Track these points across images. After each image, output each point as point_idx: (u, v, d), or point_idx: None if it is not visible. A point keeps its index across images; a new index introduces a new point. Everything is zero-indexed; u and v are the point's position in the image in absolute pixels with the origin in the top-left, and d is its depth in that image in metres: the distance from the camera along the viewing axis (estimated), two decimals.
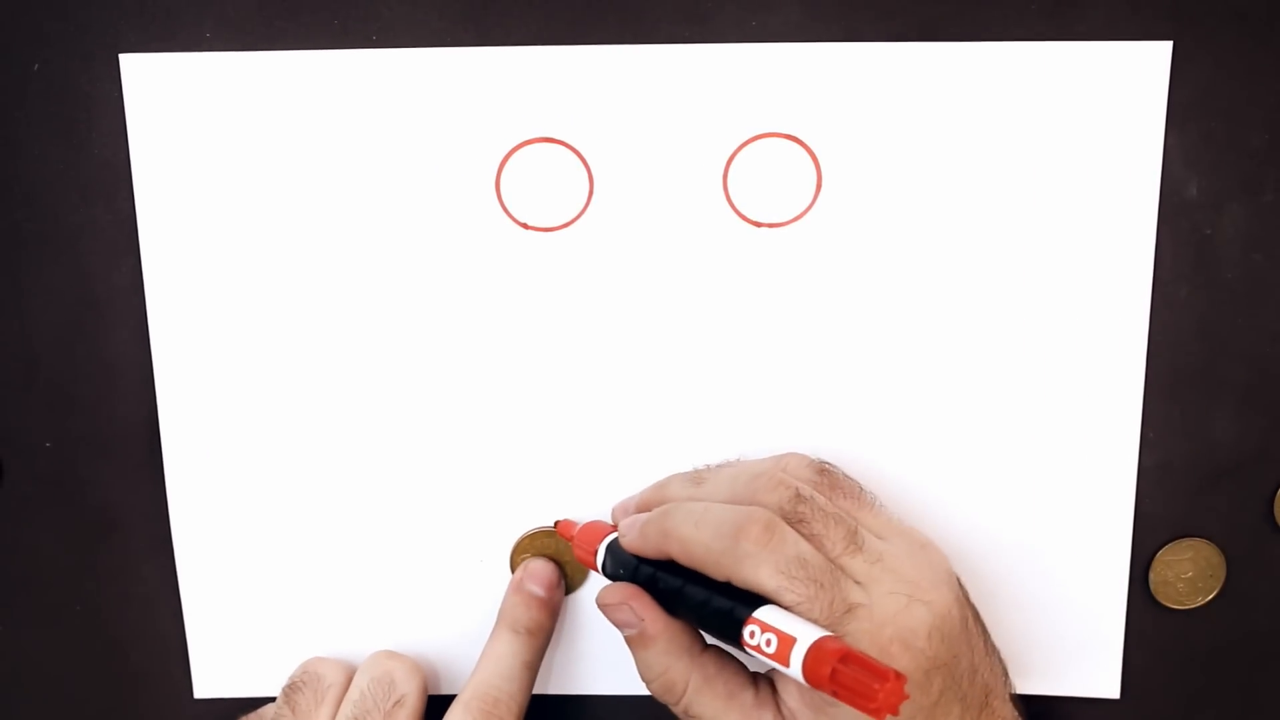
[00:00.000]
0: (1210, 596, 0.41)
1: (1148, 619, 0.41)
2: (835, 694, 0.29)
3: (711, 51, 0.36)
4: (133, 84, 0.37)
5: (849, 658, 0.29)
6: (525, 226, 0.38)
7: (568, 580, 0.41)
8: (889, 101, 0.37)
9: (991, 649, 0.36)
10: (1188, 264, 0.38)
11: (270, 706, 0.40)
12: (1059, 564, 0.40)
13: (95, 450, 0.40)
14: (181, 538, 0.41)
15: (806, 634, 0.30)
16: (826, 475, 0.37)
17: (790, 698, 0.34)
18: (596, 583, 0.40)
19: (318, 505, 0.40)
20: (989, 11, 0.36)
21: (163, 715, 0.42)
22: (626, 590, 0.36)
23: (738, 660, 0.36)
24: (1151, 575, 0.41)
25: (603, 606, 0.37)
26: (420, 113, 0.37)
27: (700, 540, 0.34)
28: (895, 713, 0.29)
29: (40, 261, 0.38)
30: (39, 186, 0.38)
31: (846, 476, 0.37)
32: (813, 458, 0.37)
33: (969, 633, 0.35)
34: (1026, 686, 0.41)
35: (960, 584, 0.36)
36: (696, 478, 0.37)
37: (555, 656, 0.42)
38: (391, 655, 0.40)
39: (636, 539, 0.36)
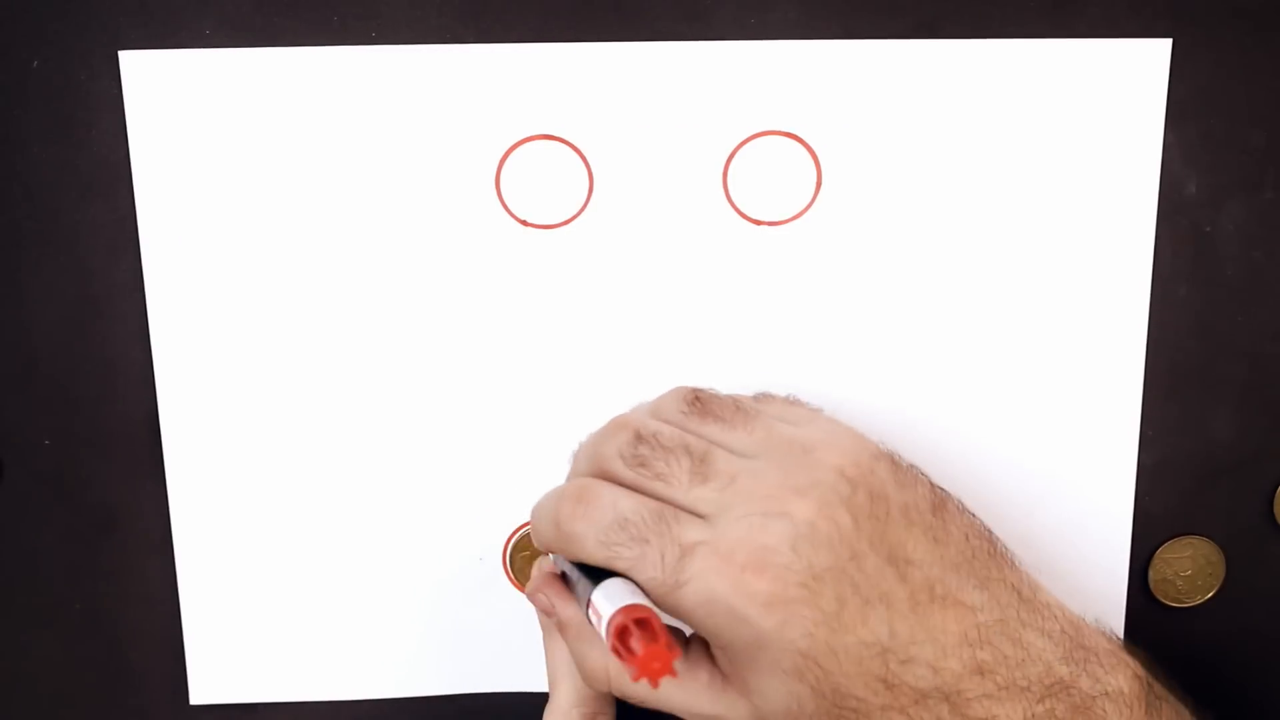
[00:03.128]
0: (1210, 594, 0.41)
1: (1147, 617, 0.41)
2: (626, 665, 0.28)
3: (712, 49, 0.36)
4: (132, 81, 0.37)
5: (636, 625, 0.28)
6: (525, 224, 0.38)
7: None
8: (889, 99, 0.37)
9: (963, 526, 0.32)
10: (1187, 262, 0.38)
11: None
12: (1058, 562, 0.40)
13: (95, 449, 0.40)
14: (182, 537, 0.41)
15: (608, 609, 0.29)
16: (698, 403, 0.34)
17: (727, 660, 0.32)
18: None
19: (318, 503, 0.40)
20: (988, 9, 0.36)
21: (162, 715, 0.42)
22: (541, 579, 0.35)
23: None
24: (1151, 573, 0.41)
25: (528, 595, 0.36)
26: (420, 110, 0.37)
27: (540, 535, 0.33)
28: (661, 675, 0.28)
29: (40, 259, 0.38)
30: (38, 184, 0.38)
31: (727, 397, 0.34)
32: (691, 386, 0.35)
33: (883, 521, 0.31)
34: None
35: (880, 469, 0.32)
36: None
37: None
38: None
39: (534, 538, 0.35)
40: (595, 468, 0.33)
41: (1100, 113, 0.36)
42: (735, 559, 0.30)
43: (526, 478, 0.40)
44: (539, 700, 0.42)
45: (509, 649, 0.42)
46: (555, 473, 0.40)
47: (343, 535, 0.41)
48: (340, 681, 0.42)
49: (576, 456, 0.35)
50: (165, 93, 0.37)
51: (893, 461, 0.32)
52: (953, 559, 0.31)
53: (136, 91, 0.37)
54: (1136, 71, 0.36)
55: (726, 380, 0.39)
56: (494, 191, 0.38)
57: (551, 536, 0.33)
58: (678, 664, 0.32)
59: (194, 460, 0.40)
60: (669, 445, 0.32)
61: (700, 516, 0.31)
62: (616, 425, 0.33)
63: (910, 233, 0.38)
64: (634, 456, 0.32)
